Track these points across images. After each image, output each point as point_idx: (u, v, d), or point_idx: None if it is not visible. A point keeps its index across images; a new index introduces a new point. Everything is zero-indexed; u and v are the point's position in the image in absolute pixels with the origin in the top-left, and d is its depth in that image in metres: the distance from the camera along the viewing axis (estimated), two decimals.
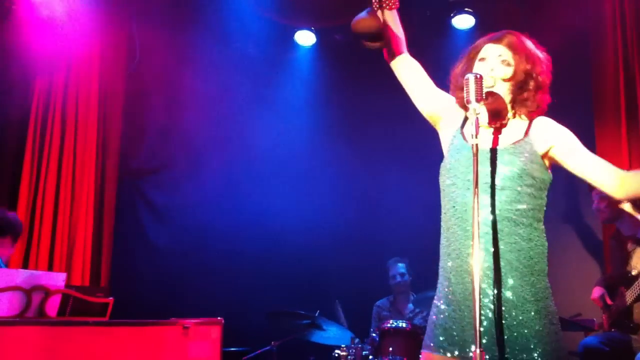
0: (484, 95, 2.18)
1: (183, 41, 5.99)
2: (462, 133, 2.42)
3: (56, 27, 5.04)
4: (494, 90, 2.33)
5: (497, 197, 2.25)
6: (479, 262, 2.02)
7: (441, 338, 2.29)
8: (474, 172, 2.09)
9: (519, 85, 2.36)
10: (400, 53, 2.55)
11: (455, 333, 2.26)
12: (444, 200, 2.40)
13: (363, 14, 2.51)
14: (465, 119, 2.43)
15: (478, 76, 2.19)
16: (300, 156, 6.28)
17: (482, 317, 2.19)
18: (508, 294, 2.21)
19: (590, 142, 4.99)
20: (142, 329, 2.71)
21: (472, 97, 2.18)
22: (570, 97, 5.53)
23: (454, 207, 2.32)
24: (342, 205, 6.16)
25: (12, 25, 4.88)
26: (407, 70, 2.55)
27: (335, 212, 6.11)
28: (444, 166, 2.41)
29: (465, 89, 2.18)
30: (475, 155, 2.12)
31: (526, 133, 2.37)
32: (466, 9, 5.87)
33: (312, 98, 6.51)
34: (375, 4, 2.48)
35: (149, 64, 5.85)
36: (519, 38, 2.42)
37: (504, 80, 2.35)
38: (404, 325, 4.44)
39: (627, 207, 4.15)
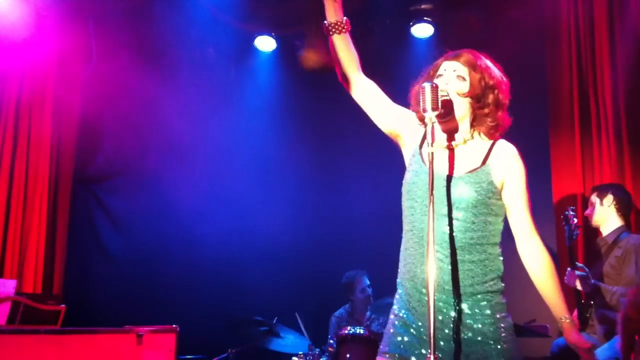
0: (439, 104, 2.22)
1: (141, 46, 5.91)
2: (420, 154, 2.43)
3: (10, 32, 4.93)
4: (450, 105, 2.34)
5: (453, 225, 2.30)
6: (433, 280, 2.08)
7: (398, 344, 2.32)
8: (429, 175, 2.13)
9: (477, 99, 2.38)
10: (353, 75, 2.53)
11: (409, 339, 2.31)
12: (404, 221, 2.44)
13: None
14: (424, 137, 2.45)
15: (434, 85, 2.24)
16: (260, 163, 6.27)
17: (439, 336, 2.25)
18: (464, 315, 2.29)
19: (544, 150, 5.14)
20: (94, 337, 2.67)
21: (428, 105, 2.22)
22: (526, 106, 5.65)
23: (411, 230, 2.37)
24: (301, 213, 6.16)
25: None
26: (363, 91, 2.54)
27: (294, 221, 6.11)
28: (404, 187, 2.44)
29: (421, 97, 2.22)
30: (431, 163, 2.17)
31: (484, 161, 2.39)
32: (425, 18, 5.95)
33: (272, 104, 6.50)
34: (326, 30, 2.51)
35: (106, 69, 5.75)
36: (476, 56, 2.45)
37: (460, 94, 2.36)
38: (362, 331, 4.44)
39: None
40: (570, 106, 5.06)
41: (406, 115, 2.50)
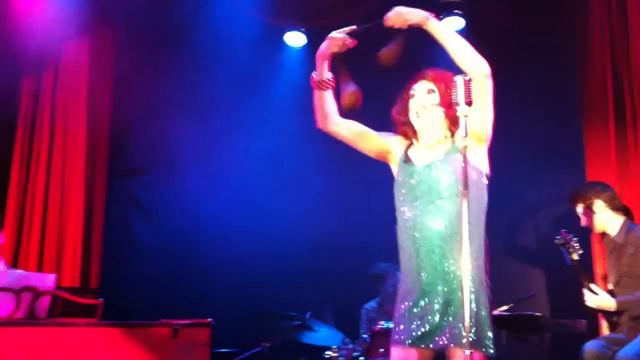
0: (470, 98, 2.29)
1: (171, 42, 5.97)
2: (406, 154, 2.82)
3: (44, 28, 5.03)
4: (428, 114, 2.73)
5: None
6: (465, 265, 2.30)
7: (411, 332, 2.61)
8: (464, 173, 2.33)
9: (448, 105, 2.64)
10: (334, 119, 2.88)
11: (416, 326, 2.60)
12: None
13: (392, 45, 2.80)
14: (409, 144, 2.85)
15: (467, 79, 2.31)
16: (291, 157, 6.28)
17: (437, 313, 2.59)
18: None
19: (577, 144, 5.08)
20: (131, 330, 2.72)
21: (461, 99, 2.30)
22: (558, 99, 5.59)
23: (404, 218, 2.73)
24: (332, 206, 6.17)
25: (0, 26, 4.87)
26: (344, 130, 2.90)
27: (325, 214, 6.12)
28: (396, 186, 2.81)
29: (453, 91, 2.38)
30: (464, 156, 2.26)
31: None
32: (455, 11, 5.88)
33: (303, 99, 6.49)
34: (317, 86, 2.84)
35: (136, 65, 5.83)
36: (437, 71, 2.80)
37: (434, 105, 2.73)
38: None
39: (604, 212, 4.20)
40: (604, 97, 4.96)
41: (388, 136, 2.90)
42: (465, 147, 2.35)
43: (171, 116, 6.02)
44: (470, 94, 2.34)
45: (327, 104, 2.87)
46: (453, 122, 2.70)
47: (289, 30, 6.32)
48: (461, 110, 2.34)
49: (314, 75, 2.85)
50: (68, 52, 5.35)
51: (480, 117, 2.60)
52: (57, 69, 5.32)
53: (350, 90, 2.82)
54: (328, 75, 2.85)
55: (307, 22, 6.29)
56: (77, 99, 5.36)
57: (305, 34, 6.32)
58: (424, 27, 2.68)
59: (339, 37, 2.82)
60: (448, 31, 2.67)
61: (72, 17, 5.22)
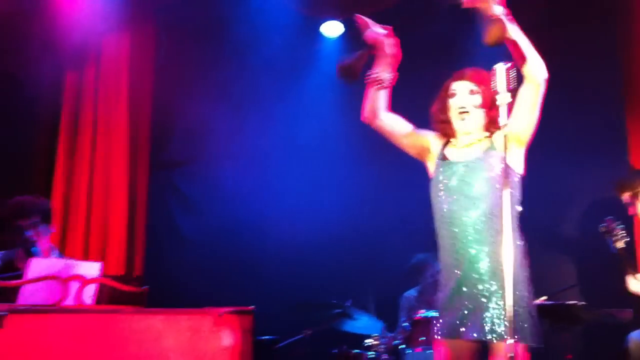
0: (513, 85, 2.28)
1: (210, 34, 6.03)
2: (444, 152, 2.86)
3: (86, 23, 5.12)
4: (469, 115, 2.75)
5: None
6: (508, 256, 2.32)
7: (451, 325, 2.69)
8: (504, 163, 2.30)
9: (490, 107, 2.68)
10: (382, 113, 2.95)
11: (456, 319, 2.67)
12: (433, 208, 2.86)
13: (350, 58, 2.89)
14: (446, 142, 2.89)
15: (508, 66, 2.29)
16: (329, 146, 6.29)
17: (476, 307, 2.65)
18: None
19: (620, 132, 4.98)
20: (176, 317, 2.76)
21: (502, 87, 2.29)
22: (599, 88, 5.48)
23: (442, 215, 2.79)
24: (371, 195, 6.16)
25: (43, 21, 4.97)
26: (387, 127, 2.97)
27: (365, 204, 6.11)
28: (433, 183, 2.87)
29: (492, 80, 2.31)
30: (505, 146, 2.24)
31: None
32: None
33: (338, 90, 6.49)
34: (375, 83, 2.92)
35: (176, 58, 5.91)
36: (478, 71, 2.81)
37: (476, 106, 2.75)
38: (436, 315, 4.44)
39: None
40: None
41: (427, 133, 2.95)
42: (506, 136, 2.35)
43: (211, 108, 6.08)
44: (510, 82, 2.33)
45: (379, 100, 2.93)
46: (493, 122, 2.72)
47: (325, 21, 6.31)
48: (501, 98, 2.33)
49: (370, 72, 2.93)
50: (109, 47, 5.45)
51: (526, 120, 2.64)
52: (98, 63, 5.42)
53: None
54: (390, 73, 2.92)
55: (344, 12, 6.26)
56: (118, 92, 5.46)
57: (342, 24, 6.30)
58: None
59: (382, 39, 2.91)
60: (516, 30, 2.60)
61: (112, 13, 5.30)
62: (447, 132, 2.88)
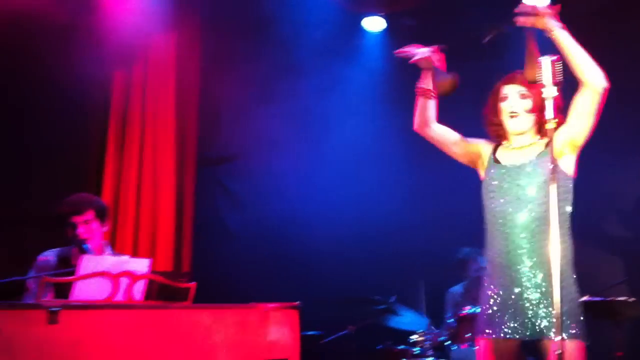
0: (559, 78, 2.24)
1: (255, 31, 6.07)
2: (495, 155, 2.93)
3: (134, 23, 5.20)
4: (520, 118, 2.82)
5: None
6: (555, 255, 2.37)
7: (500, 324, 2.74)
8: (552, 158, 2.15)
9: (541, 111, 2.62)
10: (432, 124, 3.07)
11: (507, 319, 2.72)
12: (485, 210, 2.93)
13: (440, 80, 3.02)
14: (497, 145, 2.96)
15: (554, 58, 2.25)
16: (372, 142, 6.27)
17: (519, 302, 2.73)
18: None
19: None
20: (223, 312, 2.80)
21: (547, 80, 2.24)
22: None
23: (494, 216, 2.85)
24: (414, 191, 6.13)
25: (92, 21, 5.07)
26: (439, 136, 3.08)
27: (408, 199, 6.08)
28: (485, 185, 2.94)
29: (538, 72, 2.27)
30: (551, 139, 2.20)
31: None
32: None
33: (381, 85, 6.46)
34: (424, 93, 3.03)
35: (221, 54, 5.97)
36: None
37: (527, 111, 2.81)
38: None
39: None
40: None
41: (477, 141, 3.04)
42: (554, 129, 2.31)
43: (257, 104, 6.13)
44: (557, 75, 2.28)
45: (428, 110, 3.05)
46: (544, 126, 2.68)
47: (367, 16, 6.27)
48: (547, 92, 2.29)
49: (418, 83, 3.05)
50: (156, 45, 5.54)
51: (582, 126, 2.68)
52: (146, 61, 5.51)
53: (447, 77, 2.97)
54: (433, 85, 3.03)
55: (385, 7, 6.23)
56: (166, 90, 5.55)
57: (384, 19, 6.26)
58: (548, 34, 2.64)
59: (429, 55, 3.00)
60: (572, 42, 2.63)
61: (159, 11, 5.39)
62: (499, 134, 2.95)
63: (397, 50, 3.09)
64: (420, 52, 3.01)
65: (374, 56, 6.49)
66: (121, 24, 5.15)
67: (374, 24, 6.30)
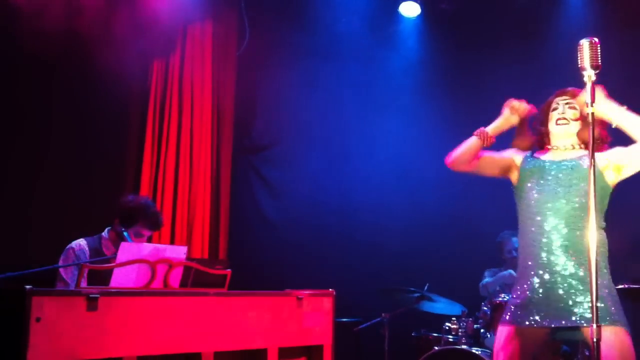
0: (599, 62, 2.18)
1: (289, 20, 6.07)
2: (533, 154, 3.05)
3: (171, 13, 5.24)
4: (568, 126, 2.96)
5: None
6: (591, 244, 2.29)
7: (535, 313, 2.77)
8: (590, 143, 2.20)
9: (584, 121, 2.93)
10: (466, 166, 3.16)
11: (543, 307, 2.76)
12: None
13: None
14: (534, 151, 3.07)
15: (594, 41, 2.20)
16: (407, 132, 6.22)
17: (555, 291, 2.77)
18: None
19: None
20: (258, 299, 2.82)
21: (587, 63, 2.19)
22: None
23: (529, 205, 2.93)
24: (448, 179, 6.05)
25: (130, 11, 5.11)
26: (483, 167, 3.16)
27: (443, 188, 6.01)
28: (521, 175, 3.02)
29: (579, 55, 2.28)
30: (592, 124, 2.16)
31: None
32: None
33: (418, 71, 6.39)
34: (485, 141, 3.11)
35: (258, 45, 5.98)
36: (577, 90, 2.94)
37: (574, 119, 2.97)
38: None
39: None
40: None
41: (507, 152, 3.14)
42: (593, 113, 2.25)
43: (292, 93, 6.13)
44: (597, 57, 2.23)
45: (474, 153, 3.13)
46: (586, 137, 2.88)
47: (404, 1, 6.22)
48: (587, 74, 2.24)
49: (484, 128, 3.13)
50: (193, 35, 5.59)
51: (633, 166, 2.85)
52: (183, 51, 5.56)
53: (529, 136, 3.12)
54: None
55: None
56: (202, 79, 5.59)
57: (419, 4, 6.19)
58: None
59: (523, 109, 3.10)
60: (617, 111, 2.79)
61: (196, 2, 5.43)
62: (542, 142, 3.07)
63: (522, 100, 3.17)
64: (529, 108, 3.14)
65: (412, 41, 6.43)
66: (159, 14, 5.19)
67: (410, 9, 6.24)
